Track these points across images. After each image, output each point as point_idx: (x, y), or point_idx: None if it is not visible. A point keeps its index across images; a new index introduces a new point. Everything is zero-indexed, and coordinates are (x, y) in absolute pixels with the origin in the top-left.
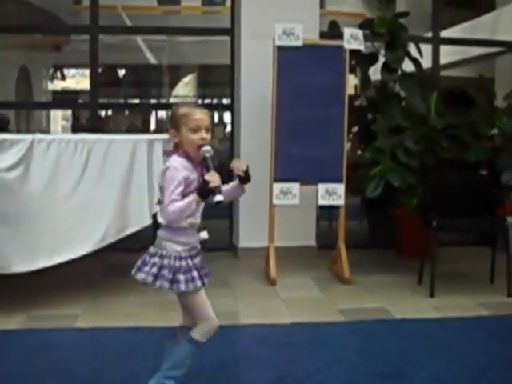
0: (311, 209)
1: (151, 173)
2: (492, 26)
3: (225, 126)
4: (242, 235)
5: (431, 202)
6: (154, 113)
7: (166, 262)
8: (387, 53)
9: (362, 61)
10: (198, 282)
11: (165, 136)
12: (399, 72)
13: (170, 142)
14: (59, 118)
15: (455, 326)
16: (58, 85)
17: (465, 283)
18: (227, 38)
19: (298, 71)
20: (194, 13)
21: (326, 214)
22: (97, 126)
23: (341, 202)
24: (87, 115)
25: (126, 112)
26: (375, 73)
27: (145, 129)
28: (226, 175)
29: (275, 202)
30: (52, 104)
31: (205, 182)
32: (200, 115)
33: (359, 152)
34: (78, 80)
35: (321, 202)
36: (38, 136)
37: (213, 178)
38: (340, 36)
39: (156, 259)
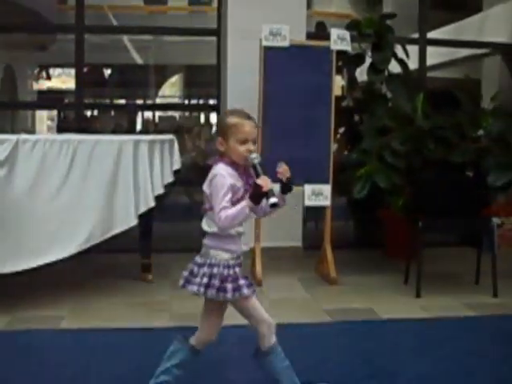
0: (298, 209)
1: (137, 173)
2: (479, 27)
3: (211, 126)
4: None
5: (417, 202)
6: (140, 113)
7: (215, 270)
8: (374, 54)
9: (349, 62)
10: (245, 291)
11: (150, 137)
12: (386, 73)
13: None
14: (45, 117)
15: (441, 327)
16: (43, 84)
17: (450, 283)
18: (214, 39)
19: (284, 72)
20: (180, 13)
21: (312, 214)
22: (82, 126)
23: (327, 202)
24: (73, 115)
25: (112, 112)
26: (362, 74)
27: (131, 129)
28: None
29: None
30: (37, 104)
31: (257, 187)
32: (249, 128)
33: (346, 153)
34: (63, 80)
35: (307, 202)
36: (23, 136)
37: (265, 183)
38: (327, 37)
39: (205, 269)
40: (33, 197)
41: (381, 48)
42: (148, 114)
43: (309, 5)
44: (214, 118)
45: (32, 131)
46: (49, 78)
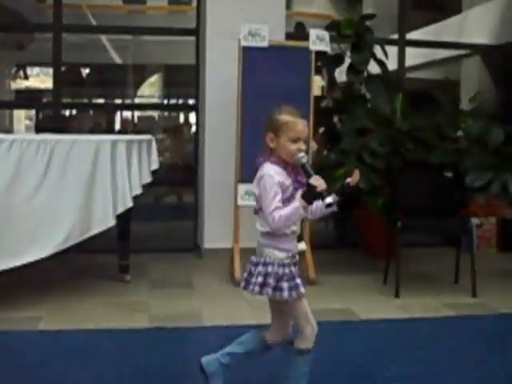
0: None
1: (115, 174)
2: (458, 28)
3: (190, 126)
4: (206, 236)
5: (396, 203)
6: (119, 113)
7: (270, 269)
8: (353, 54)
9: (328, 62)
10: (302, 289)
11: (128, 137)
12: (365, 74)
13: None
14: (22, 117)
15: (420, 326)
16: (21, 84)
17: (430, 283)
18: (193, 38)
19: (263, 72)
20: (159, 12)
21: None
22: (60, 125)
23: None
24: (51, 115)
25: (91, 112)
26: (341, 74)
27: (109, 129)
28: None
29: (240, 202)
30: (15, 103)
31: (310, 187)
32: (301, 127)
33: (325, 153)
34: (42, 79)
35: None
36: (0, 136)
37: (318, 182)
38: (306, 37)
39: (260, 268)
40: (10, 197)
41: (360, 49)
42: (127, 114)
43: (288, 5)
44: (193, 117)
45: (10, 131)
46: (26, 77)
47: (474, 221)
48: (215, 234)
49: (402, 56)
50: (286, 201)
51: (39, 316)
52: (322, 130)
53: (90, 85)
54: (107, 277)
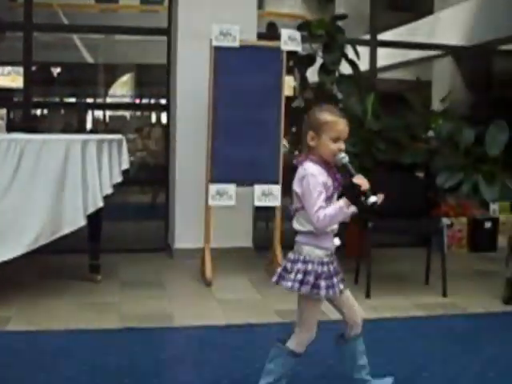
0: (248, 210)
1: (85, 173)
2: (430, 29)
3: (162, 125)
4: (177, 236)
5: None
6: (90, 112)
7: (309, 267)
8: (325, 54)
9: (300, 62)
10: (337, 289)
11: (99, 136)
12: (337, 74)
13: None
14: None
15: (391, 327)
16: None
17: (400, 283)
18: (164, 38)
19: (234, 72)
20: (132, 11)
21: (263, 214)
22: (31, 125)
23: (277, 203)
24: (22, 114)
25: (62, 111)
26: (314, 74)
27: (81, 128)
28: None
29: (211, 202)
30: None
31: (354, 186)
32: (343, 126)
33: (296, 153)
34: (13, 78)
35: (257, 203)
36: None
37: (362, 181)
38: (277, 37)
39: (299, 265)
40: None
41: (331, 49)
42: (98, 114)
43: (260, 5)
44: (164, 117)
45: None
46: None
47: (445, 221)
48: (186, 234)
49: (373, 56)
50: (327, 200)
51: (8, 316)
52: (293, 130)
53: (61, 84)
54: (78, 277)
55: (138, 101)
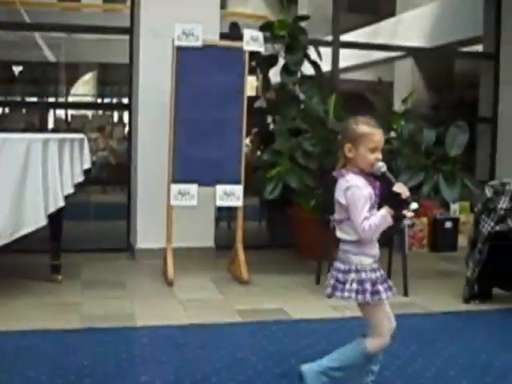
0: (210, 210)
1: (46, 173)
2: (392, 31)
3: (124, 125)
4: (139, 236)
5: (329, 203)
6: (52, 111)
7: (363, 275)
8: (287, 55)
9: (262, 62)
10: (394, 290)
11: (60, 136)
12: (299, 74)
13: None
14: None
15: (352, 326)
16: None
17: None
18: (127, 37)
19: (197, 72)
20: (95, 10)
21: (225, 214)
22: None
23: (239, 203)
24: None
25: (23, 110)
26: (276, 75)
27: (42, 128)
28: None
29: (173, 202)
30: None
31: (395, 194)
32: (379, 137)
33: (258, 153)
34: None
35: (219, 203)
36: None
37: (402, 189)
38: (240, 37)
39: (353, 275)
40: None
41: (293, 50)
42: (60, 113)
43: (223, 5)
44: (126, 116)
45: None
46: None
47: (406, 221)
48: (148, 234)
49: (336, 57)
50: (369, 210)
51: None
52: (255, 130)
53: (22, 83)
54: (39, 277)
55: (100, 100)
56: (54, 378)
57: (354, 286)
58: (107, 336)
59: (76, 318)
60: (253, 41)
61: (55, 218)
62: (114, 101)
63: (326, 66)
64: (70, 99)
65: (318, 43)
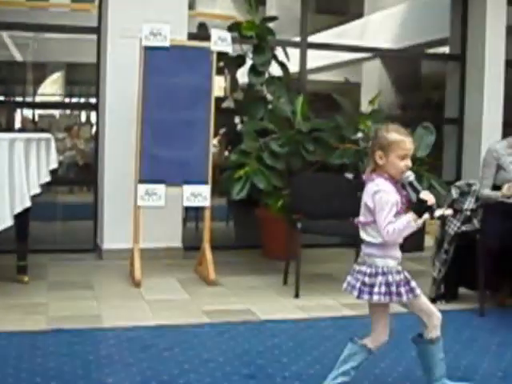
0: (177, 210)
1: (12, 173)
2: (360, 32)
3: (91, 125)
4: (106, 236)
5: (296, 204)
6: (19, 111)
7: (390, 278)
8: (255, 56)
9: (230, 63)
10: (417, 291)
11: (27, 135)
12: (266, 75)
13: None
14: None
15: (319, 326)
16: None
17: (329, 284)
18: (94, 37)
19: (164, 72)
20: (64, 10)
21: (193, 215)
22: None
23: (206, 203)
24: None
25: None
26: (244, 75)
27: (9, 127)
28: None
29: (140, 203)
30: None
31: (422, 201)
32: (410, 145)
33: (226, 154)
34: None
35: (186, 203)
36: None
37: (428, 197)
38: (208, 38)
39: (380, 278)
40: None
41: (261, 50)
42: (27, 112)
43: (191, 5)
44: (94, 116)
45: None
46: None
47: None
48: (115, 235)
49: (303, 58)
50: (396, 216)
51: None
52: (223, 130)
53: None
54: (5, 278)
55: (67, 100)
56: (19, 381)
57: (383, 288)
58: (74, 337)
59: (42, 319)
60: (221, 41)
61: (21, 218)
62: (82, 101)
63: (293, 67)
64: (38, 99)
65: (285, 44)
